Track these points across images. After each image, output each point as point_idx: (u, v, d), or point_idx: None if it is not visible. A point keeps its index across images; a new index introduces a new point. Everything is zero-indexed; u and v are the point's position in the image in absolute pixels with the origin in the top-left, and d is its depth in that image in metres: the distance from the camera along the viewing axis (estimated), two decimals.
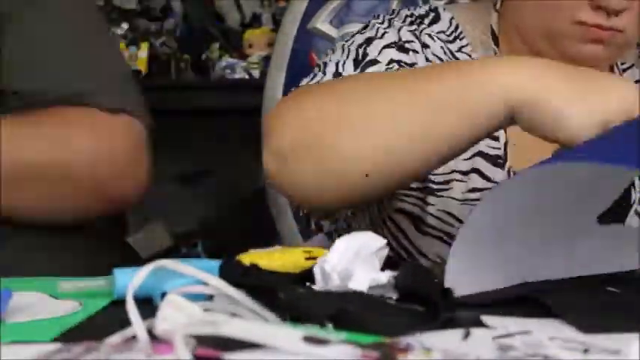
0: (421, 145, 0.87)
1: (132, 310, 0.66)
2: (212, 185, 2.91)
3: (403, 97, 0.88)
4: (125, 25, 2.86)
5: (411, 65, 1.08)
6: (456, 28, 1.14)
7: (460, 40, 1.13)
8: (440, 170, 1.07)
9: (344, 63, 1.07)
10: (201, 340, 0.61)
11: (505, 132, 1.10)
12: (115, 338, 0.65)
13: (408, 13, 1.15)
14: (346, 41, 1.12)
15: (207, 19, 2.91)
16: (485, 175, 1.10)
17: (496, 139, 1.10)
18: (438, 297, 0.72)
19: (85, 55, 1.22)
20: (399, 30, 1.11)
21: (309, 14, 1.58)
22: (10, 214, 1.16)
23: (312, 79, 1.07)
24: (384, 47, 1.08)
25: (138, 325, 0.65)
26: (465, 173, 1.10)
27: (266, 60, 2.55)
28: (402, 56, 1.08)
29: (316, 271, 0.75)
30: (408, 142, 0.87)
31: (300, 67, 1.56)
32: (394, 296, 0.75)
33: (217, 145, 2.77)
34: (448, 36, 1.13)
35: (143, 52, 2.79)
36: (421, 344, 0.63)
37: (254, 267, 0.75)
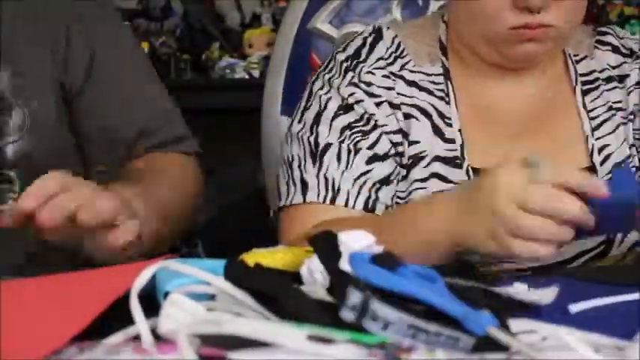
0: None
1: (136, 309, 0.66)
2: (212, 185, 2.91)
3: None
4: None
5: (361, 118, 1.18)
6: (398, 46, 1.23)
7: (402, 58, 1.22)
8: (401, 187, 1.17)
9: (305, 165, 1.18)
10: (205, 340, 0.61)
11: (461, 134, 1.17)
12: (118, 337, 0.65)
13: (343, 57, 1.22)
14: (299, 121, 1.22)
15: (207, 19, 2.91)
16: (444, 177, 1.16)
17: (452, 141, 1.17)
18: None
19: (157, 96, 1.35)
20: (339, 89, 1.20)
21: (309, 14, 1.58)
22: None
23: (287, 190, 1.21)
24: (332, 120, 1.19)
25: (141, 324, 0.65)
26: (423, 180, 1.16)
27: (266, 60, 2.55)
28: (349, 117, 1.19)
29: (303, 271, 0.74)
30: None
31: (300, 67, 1.56)
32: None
33: (217, 145, 2.76)
34: (387, 59, 1.22)
35: None
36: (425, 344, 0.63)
37: (258, 267, 0.74)
